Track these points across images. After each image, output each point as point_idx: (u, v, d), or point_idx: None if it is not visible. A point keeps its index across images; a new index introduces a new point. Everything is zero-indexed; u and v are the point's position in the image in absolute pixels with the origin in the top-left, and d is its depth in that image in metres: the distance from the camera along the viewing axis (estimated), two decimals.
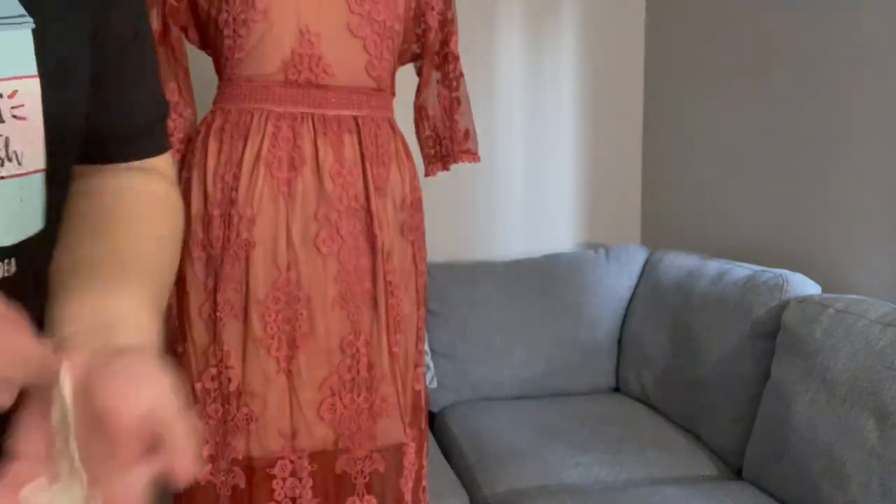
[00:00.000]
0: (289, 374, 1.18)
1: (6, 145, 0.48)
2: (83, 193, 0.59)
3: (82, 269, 0.53)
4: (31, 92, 0.49)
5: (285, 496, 1.18)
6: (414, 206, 1.30)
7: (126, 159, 0.62)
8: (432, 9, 1.33)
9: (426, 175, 1.43)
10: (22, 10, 0.48)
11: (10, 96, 0.47)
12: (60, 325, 0.48)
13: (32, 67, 0.49)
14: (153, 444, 0.42)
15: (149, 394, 0.42)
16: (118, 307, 0.50)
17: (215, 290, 1.17)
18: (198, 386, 1.18)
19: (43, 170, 0.51)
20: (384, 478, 1.23)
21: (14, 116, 0.48)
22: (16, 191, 0.49)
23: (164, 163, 0.65)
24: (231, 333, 1.17)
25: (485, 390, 2.16)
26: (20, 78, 0.48)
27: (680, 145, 2.35)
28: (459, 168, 1.45)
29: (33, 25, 0.48)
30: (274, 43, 1.17)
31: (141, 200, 0.61)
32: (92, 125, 0.57)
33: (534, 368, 2.17)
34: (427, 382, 2.02)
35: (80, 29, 0.53)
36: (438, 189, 1.65)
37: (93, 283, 0.52)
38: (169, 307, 1.22)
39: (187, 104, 1.29)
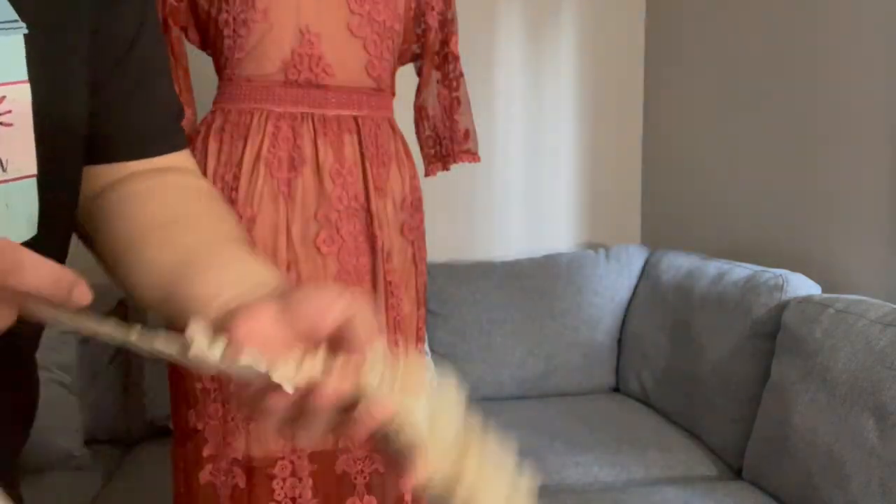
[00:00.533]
0: None
1: None
2: (135, 195, 0.58)
3: (195, 256, 0.53)
4: (20, 98, 0.48)
5: (285, 496, 1.18)
6: (414, 206, 1.30)
7: (148, 155, 0.61)
8: (432, 9, 1.33)
9: (426, 175, 1.43)
10: (14, 16, 0.47)
11: None
12: (209, 298, 0.47)
13: (23, 73, 0.48)
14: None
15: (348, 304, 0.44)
16: (258, 272, 0.51)
17: None
18: (198, 386, 1.18)
19: (34, 175, 0.50)
20: (384, 478, 1.23)
21: (0, 123, 0.48)
22: (0, 197, 0.49)
23: (189, 160, 0.65)
24: None
25: (485, 390, 2.16)
26: (9, 84, 0.48)
27: (680, 145, 2.35)
28: (459, 168, 1.45)
29: (25, 30, 0.48)
30: (274, 43, 1.17)
31: (193, 195, 0.61)
32: (105, 125, 0.57)
33: (534, 368, 2.18)
34: None
35: (76, 33, 0.53)
36: (438, 189, 1.64)
37: (218, 262, 0.52)
38: None
39: (187, 104, 1.29)
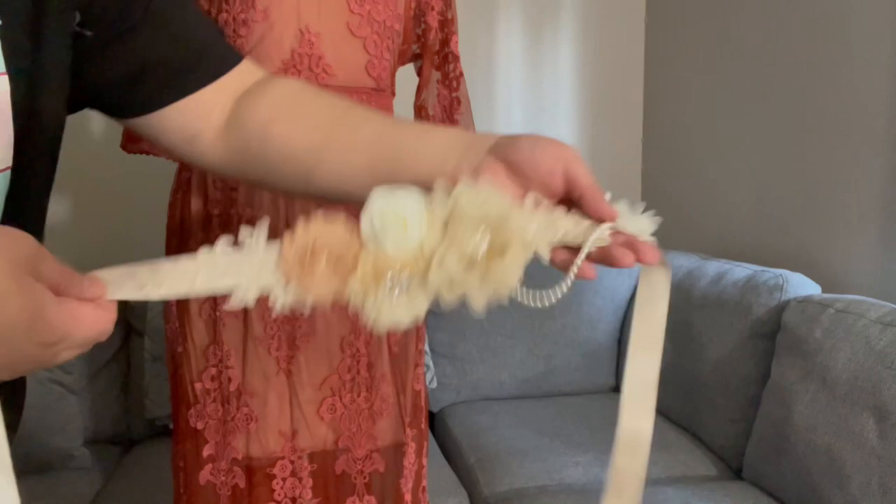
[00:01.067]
0: (289, 373, 1.18)
1: None
2: (278, 112, 0.61)
3: (393, 143, 0.58)
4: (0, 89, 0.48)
5: (285, 496, 1.18)
6: None
7: (227, 69, 0.63)
8: (432, 9, 1.33)
9: None
10: None
11: None
12: (434, 172, 0.54)
13: (0, 65, 0.48)
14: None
15: (564, 151, 0.53)
16: (459, 136, 0.58)
17: None
18: (198, 386, 1.18)
19: (9, 168, 0.50)
20: (384, 478, 1.23)
21: None
22: None
23: (257, 65, 0.67)
24: (231, 333, 1.17)
25: (485, 390, 2.16)
26: None
27: (680, 145, 2.35)
28: None
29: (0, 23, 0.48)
30: (274, 43, 1.17)
31: (314, 90, 0.65)
32: (167, 62, 0.59)
33: (534, 368, 2.18)
34: (427, 382, 2.02)
35: (58, 24, 0.52)
36: None
37: (419, 136, 0.59)
38: (169, 307, 1.22)
39: None
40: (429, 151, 0.56)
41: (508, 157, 0.53)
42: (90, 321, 0.41)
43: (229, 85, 0.63)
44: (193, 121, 0.62)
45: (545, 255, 0.51)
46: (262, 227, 0.46)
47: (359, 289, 0.46)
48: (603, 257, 0.53)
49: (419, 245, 0.47)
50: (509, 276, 0.48)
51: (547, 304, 0.51)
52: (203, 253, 0.45)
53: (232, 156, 0.63)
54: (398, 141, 0.58)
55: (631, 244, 0.52)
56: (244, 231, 0.46)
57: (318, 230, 0.46)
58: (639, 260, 0.52)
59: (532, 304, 0.50)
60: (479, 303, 0.48)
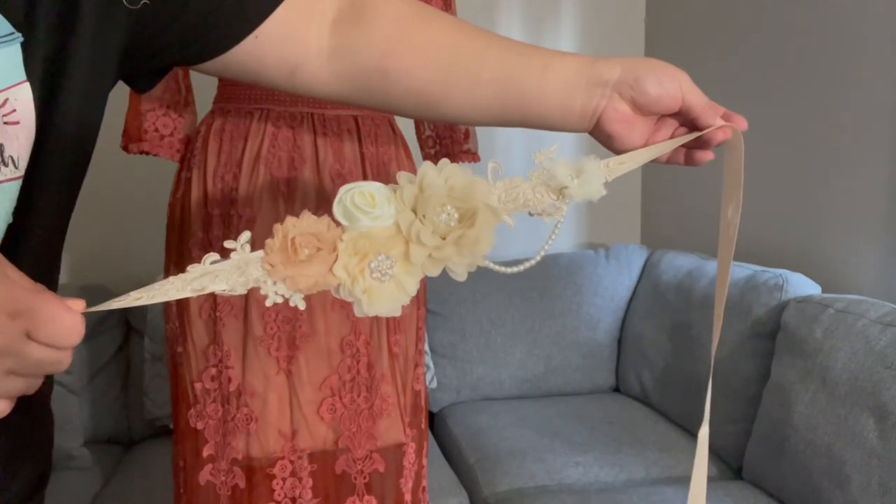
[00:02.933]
0: (289, 374, 1.18)
1: (0, 151, 0.48)
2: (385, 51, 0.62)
3: (510, 78, 0.62)
4: (22, 97, 0.49)
5: (285, 496, 1.18)
6: None
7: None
8: None
9: None
10: (10, 29, 0.48)
11: (1, 105, 0.48)
12: (562, 109, 0.62)
13: (21, 75, 0.49)
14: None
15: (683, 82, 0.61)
16: (572, 62, 0.64)
17: None
18: (198, 386, 1.18)
19: (20, 177, 0.51)
20: (384, 478, 1.23)
21: (6, 123, 0.48)
22: (12, 194, 0.50)
23: None
24: (231, 333, 1.17)
25: (485, 390, 2.16)
26: (9, 87, 0.48)
27: None
28: None
29: (22, 39, 0.49)
30: None
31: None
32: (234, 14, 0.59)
33: (534, 368, 2.18)
34: (427, 382, 2.02)
35: (78, 41, 0.52)
36: None
37: (537, 71, 0.62)
38: (169, 307, 1.22)
39: (187, 104, 1.29)
40: (553, 91, 0.61)
41: (635, 99, 0.61)
42: (59, 306, 0.40)
43: (311, 9, 0.62)
44: (286, 53, 0.62)
45: (509, 222, 0.54)
46: (246, 237, 0.48)
47: (345, 276, 0.48)
48: (702, 143, 0.66)
49: (394, 224, 0.49)
50: (482, 242, 0.50)
51: (520, 269, 0.55)
52: (192, 267, 0.46)
53: (346, 86, 0.64)
54: (522, 80, 0.61)
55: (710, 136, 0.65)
56: (229, 243, 0.47)
57: (297, 223, 0.48)
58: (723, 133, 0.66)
59: (506, 272, 0.55)
60: (459, 273, 0.51)
